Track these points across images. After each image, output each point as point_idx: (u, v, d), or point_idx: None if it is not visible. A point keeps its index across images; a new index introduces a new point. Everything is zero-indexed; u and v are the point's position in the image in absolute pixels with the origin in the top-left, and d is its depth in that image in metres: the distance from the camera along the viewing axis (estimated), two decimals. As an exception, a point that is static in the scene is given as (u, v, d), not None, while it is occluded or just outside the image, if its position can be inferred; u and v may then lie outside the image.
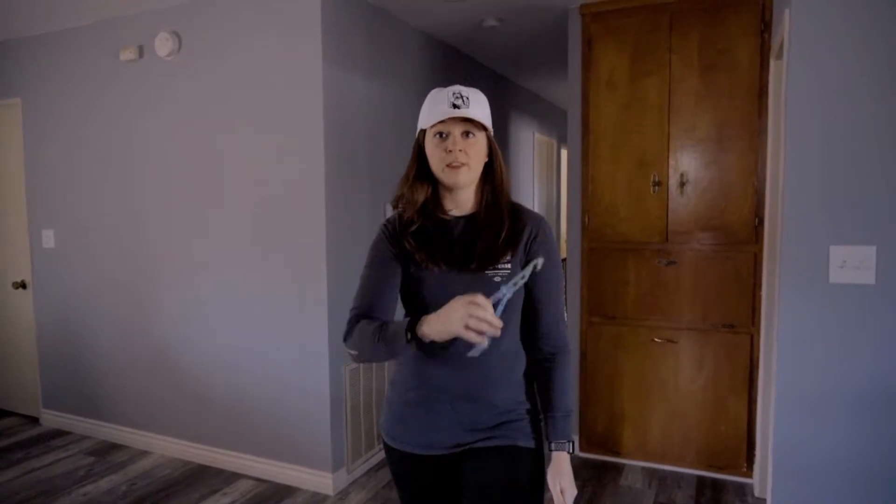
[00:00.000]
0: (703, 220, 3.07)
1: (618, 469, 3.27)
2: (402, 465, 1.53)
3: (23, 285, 4.10)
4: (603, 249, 3.29)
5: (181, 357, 3.47)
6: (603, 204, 3.27)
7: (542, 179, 6.56)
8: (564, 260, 5.50)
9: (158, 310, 3.52)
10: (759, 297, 2.96)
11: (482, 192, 1.46)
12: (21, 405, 4.27)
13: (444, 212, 1.46)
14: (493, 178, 1.45)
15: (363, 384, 3.28)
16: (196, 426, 3.46)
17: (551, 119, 6.80)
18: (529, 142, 6.06)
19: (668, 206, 3.13)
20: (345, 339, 1.46)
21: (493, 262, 1.38)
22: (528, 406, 1.49)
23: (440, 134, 1.39)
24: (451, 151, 1.37)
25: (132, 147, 3.51)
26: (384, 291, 1.46)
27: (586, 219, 3.31)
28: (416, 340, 1.30)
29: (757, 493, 2.95)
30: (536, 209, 6.32)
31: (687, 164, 3.08)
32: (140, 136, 3.47)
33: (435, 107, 1.39)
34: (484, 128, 1.41)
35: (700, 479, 3.14)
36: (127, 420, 3.71)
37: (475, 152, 1.39)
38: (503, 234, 1.40)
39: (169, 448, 3.56)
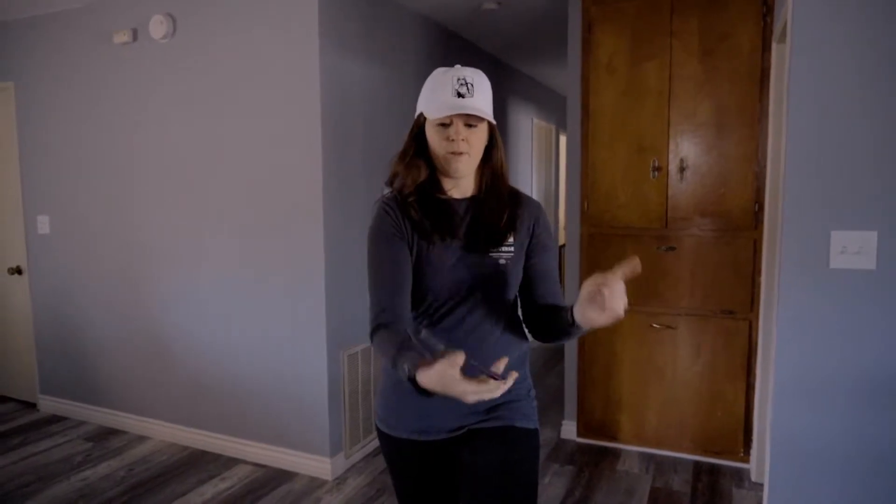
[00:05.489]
0: (703, 205, 3.06)
1: (615, 454, 3.28)
2: (398, 452, 1.52)
3: (18, 271, 4.08)
4: (602, 235, 3.28)
5: (178, 342, 3.46)
6: (602, 190, 3.25)
7: (540, 166, 6.53)
8: (563, 246, 5.48)
9: (155, 295, 3.50)
10: (759, 283, 2.96)
11: (482, 176, 1.47)
12: (18, 391, 4.26)
13: (443, 192, 1.45)
14: (492, 163, 1.46)
15: (361, 370, 3.28)
16: (194, 411, 3.46)
17: (550, 105, 6.76)
18: (528, 128, 6.03)
19: (667, 191, 3.12)
20: (371, 340, 1.40)
21: (497, 244, 1.42)
22: (526, 387, 1.50)
23: (443, 122, 1.37)
24: (452, 140, 1.36)
25: (127, 132, 3.48)
26: (400, 278, 1.39)
27: (585, 205, 3.29)
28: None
29: (754, 478, 2.97)
30: (535, 196, 6.27)
31: (687, 149, 3.06)
32: (135, 121, 3.44)
33: (439, 94, 1.37)
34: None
35: (697, 464, 3.16)
36: (124, 405, 3.71)
37: (477, 140, 1.39)
38: (505, 218, 1.43)
39: (167, 433, 3.56)
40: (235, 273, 3.22)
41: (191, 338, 3.41)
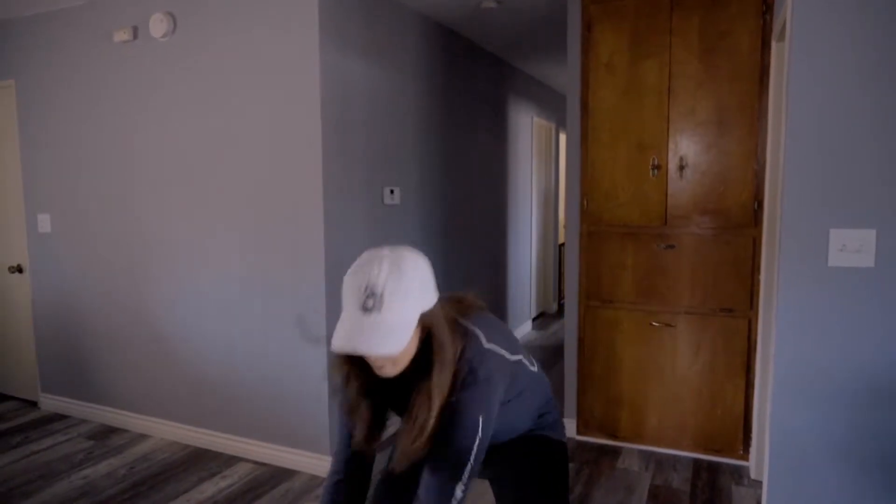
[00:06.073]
0: (703, 203, 3.06)
1: (615, 452, 3.29)
2: None
3: (19, 269, 4.08)
4: (601, 233, 3.28)
5: (178, 341, 3.46)
6: (602, 188, 3.26)
7: (540, 164, 6.54)
8: (563, 245, 5.42)
9: (155, 294, 3.51)
10: (758, 281, 2.96)
11: (422, 357, 1.28)
12: (20, 389, 4.27)
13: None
14: (431, 353, 1.27)
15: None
16: (194, 410, 3.46)
17: (550, 103, 6.76)
18: (528, 126, 6.03)
19: (667, 189, 3.12)
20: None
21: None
22: (552, 416, 1.63)
23: None
24: (370, 358, 1.26)
25: (127, 130, 3.48)
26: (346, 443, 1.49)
27: (585, 203, 3.30)
28: None
29: (753, 475, 2.97)
30: (534, 195, 6.30)
31: (686, 147, 3.07)
32: (135, 120, 3.44)
33: (346, 302, 1.24)
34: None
35: (696, 462, 3.16)
36: (125, 404, 3.72)
37: (399, 354, 1.24)
38: (433, 422, 1.27)
39: (167, 431, 3.56)
40: (236, 272, 3.23)
41: (191, 336, 3.42)
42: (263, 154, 3.08)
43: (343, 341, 1.19)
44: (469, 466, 1.27)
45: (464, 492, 1.27)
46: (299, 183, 3.00)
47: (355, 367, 1.33)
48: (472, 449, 1.27)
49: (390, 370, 1.27)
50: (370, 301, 1.17)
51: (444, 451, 1.28)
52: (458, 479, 1.26)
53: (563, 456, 1.62)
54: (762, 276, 2.91)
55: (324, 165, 2.95)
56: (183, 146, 3.31)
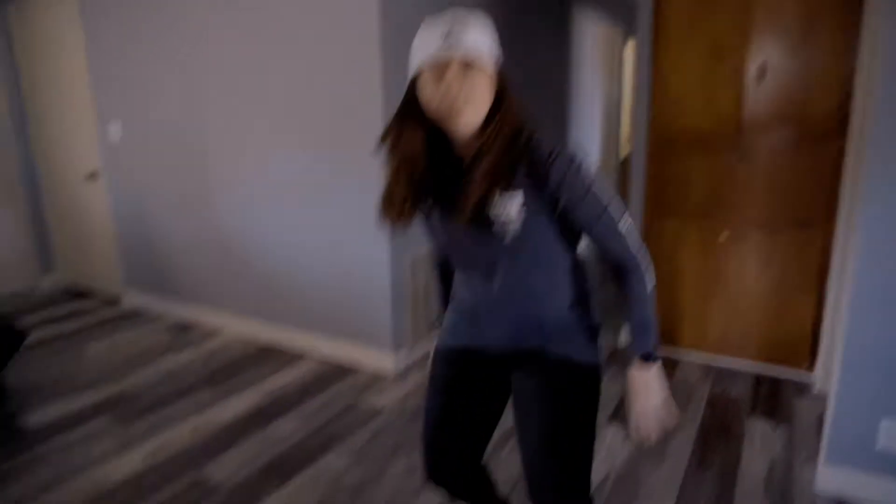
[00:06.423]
0: (783, 111, 2.89)
1: (673, 364, 3.30)
2: (444, 360, 1.54)
3: (94, 176, 4.25)
4: (670, 143, 3.16)
5: (247, 240, 3.59)
6: (671, 96, 3.11)
7: (604, 73, 6.27)
8: (625, 160, 5.23)
9: (223, 196, 3.61)
10: (839, 193, 2.82)
11: (485, 131, 1.25)
12: (104, 287, 4.57)
13: (452, 152, 1.31)
14: (498, 114, 1.24)
15: (423, 275, 3.34)
16: (264, 307, 3.63)
17: (616, 9, 6.40)
18: (592, 35, 5.75)
19: (743, 97, 2.96)
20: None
21: (483, 209, 1.24)
22: (578, 312, 1.40)
23: (435, 74, 1.21)
24: (447, 94, 1.20)
25: (191, 39, 3.48)
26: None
27: (653, 112, 3.17)
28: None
29: (816, 390, 2.94)
30: (598, 105, 6.08)
31: (768, 51, 2.87)
32: (199, 28, 3.44)
33: (425, 44, 1.22)
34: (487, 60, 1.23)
35: (758, 376, 3.14)
36: (199, 300, 3.93)
37: (478, 90, 1.21)
38: (490, 176, 1.22)
39: (238, 327, 3.76)
40: (305, 170, 3.27)
41: (260, 235, 3.54)
42: (329, 56, 3.05)
43: (432, 48, 1.20)
44: (615, 217, 1.28)
45: (626, 224, 1.30)
46: (362, 82, 2.96)
47: (422, 126, 1.29)
48: (614, 214, 1.28)
49: (470, 115, 1.21)
50: (449, 39, 1.19)
51: (588, 213, 1.27)
52: (619, 222, 1.29)
53: (595, 384, 1.41)
54: (846, 187, 2.76)
55: (382, 66, 2.90)
56: (248, 56, 3.29)
